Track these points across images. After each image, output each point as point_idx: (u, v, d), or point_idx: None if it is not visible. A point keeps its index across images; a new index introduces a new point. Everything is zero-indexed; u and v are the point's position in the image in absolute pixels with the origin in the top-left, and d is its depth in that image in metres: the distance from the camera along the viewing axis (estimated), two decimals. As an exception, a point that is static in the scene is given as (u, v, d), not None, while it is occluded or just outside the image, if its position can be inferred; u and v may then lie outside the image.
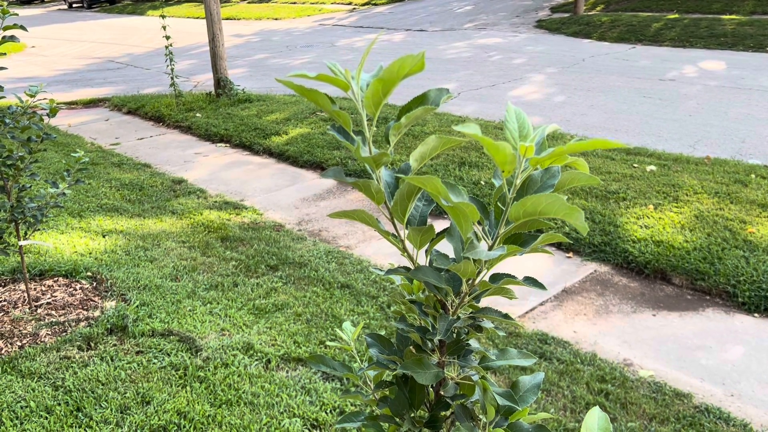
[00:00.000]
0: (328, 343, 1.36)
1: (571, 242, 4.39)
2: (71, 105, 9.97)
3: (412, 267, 0.95)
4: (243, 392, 2.67)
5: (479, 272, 0.87)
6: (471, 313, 0.92)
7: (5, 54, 2.91)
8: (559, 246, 4.46)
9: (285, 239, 4.50)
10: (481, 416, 1.01)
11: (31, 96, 2.92)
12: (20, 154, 3.03)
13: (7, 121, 2.90)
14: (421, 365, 0.93)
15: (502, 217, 0.85)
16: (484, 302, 1.27)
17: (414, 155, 0.86)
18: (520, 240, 0.86)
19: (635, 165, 5.69)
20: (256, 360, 2.94)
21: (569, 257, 4.30)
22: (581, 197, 4.97)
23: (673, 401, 2.91)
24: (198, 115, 8.30)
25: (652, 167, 5.57)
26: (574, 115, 7.86)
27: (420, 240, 0.92)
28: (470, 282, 0.90)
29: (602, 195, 4.99)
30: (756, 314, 3.58)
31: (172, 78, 8.72)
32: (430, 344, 0.98)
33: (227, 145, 7.29)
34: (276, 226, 4.82)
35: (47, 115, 3.12)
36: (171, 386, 2.71)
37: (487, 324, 0.96)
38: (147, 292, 3.56)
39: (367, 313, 3.44)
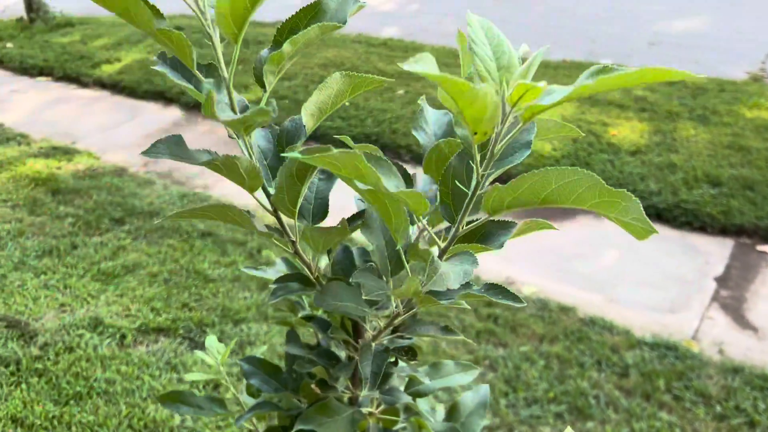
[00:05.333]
0: (186, 377, 1.02)
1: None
2: None
3: (311, 278, 0.63)
4: (94, 380, 2.26)
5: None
6: (400, 332, 0.63)
7: None
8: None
9: (129, 185, 3.95)
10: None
11: None
12: None
13: None
14: (329, 411, 0.64)
15: (465, 206, 0.54)
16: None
17: (308, 106, 0.52)
18: (479, 234, 0.57)
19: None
20: (108, 337, 2.51)
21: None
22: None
23: (559, 317, 2.87)
24: (9, 45, 7.10)
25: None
26: (430, 23, 7.61)
27: (323, 243, 0.60)
28: (405, 299, 0.60)
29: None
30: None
31: (-32, 2, 7.36)
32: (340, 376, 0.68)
33: (49, 78, 6.31)
34: (117, 171, 4.22)
35: None
36: (1, 388, 2.24)
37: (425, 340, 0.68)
38: (-40, 269, 2.95)
39: (235, 264, 3.09)
